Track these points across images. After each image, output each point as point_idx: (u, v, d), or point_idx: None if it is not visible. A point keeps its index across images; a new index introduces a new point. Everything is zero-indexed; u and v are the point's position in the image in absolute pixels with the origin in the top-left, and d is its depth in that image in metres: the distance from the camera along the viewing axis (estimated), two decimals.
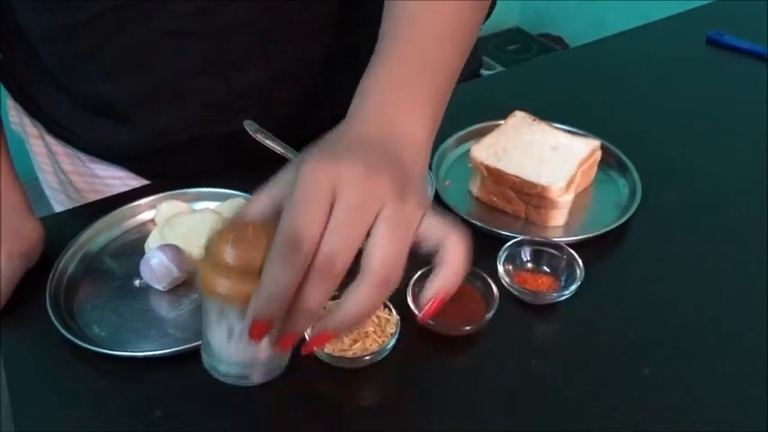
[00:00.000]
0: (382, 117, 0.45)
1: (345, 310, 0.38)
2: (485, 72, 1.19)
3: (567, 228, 0.65)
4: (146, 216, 0.67)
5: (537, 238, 0.61)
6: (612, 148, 0.72)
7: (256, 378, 0.44)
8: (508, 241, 0.60)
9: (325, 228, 0.37)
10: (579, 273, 0.57)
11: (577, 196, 0.67)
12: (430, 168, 0.67)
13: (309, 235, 0.36)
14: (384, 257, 0.37)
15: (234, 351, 0.42)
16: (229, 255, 0.38)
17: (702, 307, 0.58)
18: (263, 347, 0.42)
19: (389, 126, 0.44)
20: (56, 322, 0.55)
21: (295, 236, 0.36)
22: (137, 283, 0.60)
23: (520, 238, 0.61)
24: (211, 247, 0.40)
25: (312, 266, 0.37)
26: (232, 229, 0.40)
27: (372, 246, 0.37)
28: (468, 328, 0.54)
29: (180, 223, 0.62)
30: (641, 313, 0.58)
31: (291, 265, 0.36)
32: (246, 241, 0.39)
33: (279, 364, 0.45)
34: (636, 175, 0.69)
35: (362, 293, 0.38)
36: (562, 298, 0.57)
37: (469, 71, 0.87)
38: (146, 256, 0.59)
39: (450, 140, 0.73)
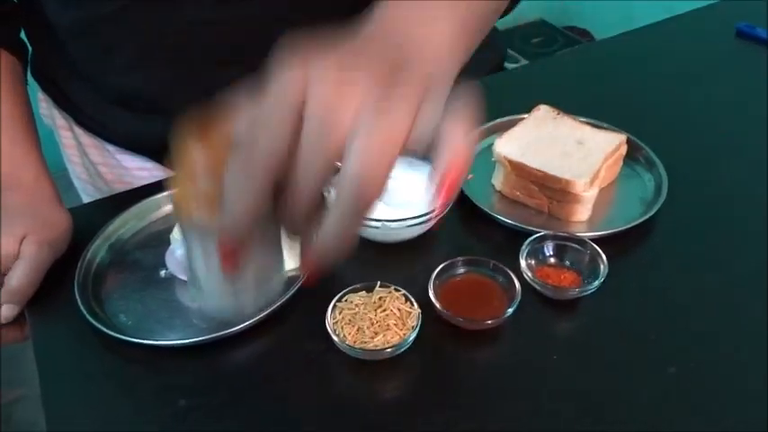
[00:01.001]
0: (391, 24, 0.36)
1: (320, 239, 0.33)
2: (509, 65, 1.18)
3: (591, 223, 0.65)
4: (172, 207, 0.68)
5: (560, 233, 0.60)
6: (639, 142, 0.71)
7: (249, 308, 0.41)
8: (531, 236, 0.60)
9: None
10: (603, 268, 0.57)
11: (602, 191, 0.66)
12: None
13: (271, 150, 0.31)
14: (356, 171, 0.31)
15: (217, 281, 0.38)
16: (201, 177, 0.34)
17: (729, 306, 0.57)
18: (248, 273, 0.37)
19: (397, 33, 0.36)
20: (83, 310, 0.56)
21: (255, 151, 0.31)
22: (162, 273, 0.61)
23: (543, 232, 0.60)
24: (182, 165, 0.35)
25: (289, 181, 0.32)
26: (204, 141, 0.35)
27: (346, 157, 0.31)
28: (489, 322, 0.54)
29: None
30: (665, 310, 0.57)
31: (252, 180, 0.32)
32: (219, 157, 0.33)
33: (270, 288, 0.40)
34: (662, 171, 0.68)
35: (333, 217, 0.32)
36: (585, 293, 0.57)
37: (493, 64, 0.87)
38: (171, 246, 0.60)
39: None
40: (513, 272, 0.56)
